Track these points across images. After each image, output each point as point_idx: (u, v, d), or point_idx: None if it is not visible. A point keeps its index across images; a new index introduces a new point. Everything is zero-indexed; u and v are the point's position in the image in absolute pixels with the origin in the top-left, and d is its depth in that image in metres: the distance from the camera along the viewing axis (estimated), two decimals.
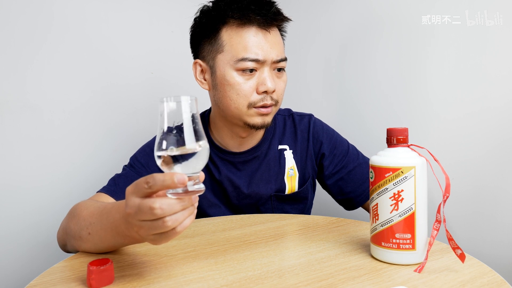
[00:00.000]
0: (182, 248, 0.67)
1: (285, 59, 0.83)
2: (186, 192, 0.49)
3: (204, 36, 0.83)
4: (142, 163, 0.86)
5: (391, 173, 0.56)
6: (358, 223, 0.79)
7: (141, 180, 0.49)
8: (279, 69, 0.83)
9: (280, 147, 0.93)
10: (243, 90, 0.80)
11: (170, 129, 0.49)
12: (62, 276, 0.58)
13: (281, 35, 0.87)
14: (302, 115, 0.97)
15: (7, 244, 1.14)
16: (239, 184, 0.89)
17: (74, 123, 1.24)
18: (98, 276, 0.53)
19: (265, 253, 0.64)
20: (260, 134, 0.91)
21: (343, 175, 0.91)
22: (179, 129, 0.49)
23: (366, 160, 0.93)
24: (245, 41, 0.79)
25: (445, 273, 0.55)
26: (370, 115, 1.25)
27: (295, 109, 1.01)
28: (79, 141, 1.25)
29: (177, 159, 0.49)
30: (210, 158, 0.90)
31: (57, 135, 1.20)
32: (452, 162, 1.03)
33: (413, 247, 0.57)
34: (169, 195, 0.49)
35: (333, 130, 0.97)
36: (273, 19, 0.80)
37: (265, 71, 0.80)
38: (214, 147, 0.90)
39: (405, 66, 1.15)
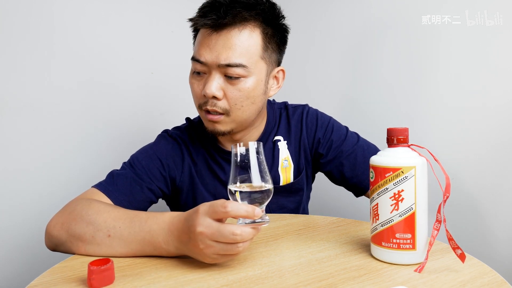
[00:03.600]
0: None
1: (237, 65, 0.75)
2: (259, 222, 0.57)
3: (193, 36, 0.86)
4: (142, 164, 0.84)
5: (391, 173, 0.56)
6: (359, 223, 0.78)
7: (218, 203, 0.56)
8: (230, 77, 0.76)
9: (274, 138, 0.91)
10: (193, 90, 0.81)
11: (241, 169, 0.60)
12: (63, 276, 0.58)
13: (267, 37, 0.79)
14: (296, 106, 0.95)
15: (7, 244, 1.14)
16: None
17: (74, 123, 1.24)
18: (99, 276, 0.53)
19: (265, 253, 0.64)
20: (259, 130, 0.90)
21: (342, 160, 0.89)
22: (249, 169, 0.60)
23: (369, 144, 0.90)
24: (198, 41, 0.79)
25: (445, 273, 0.55)
26: (370, 115, 1.25)
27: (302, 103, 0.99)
28: (79, 140, 1.25)
29: (247, 194, 0.59)
30: (216, 160, 0.89)
31: (57, 135, 1.21)
32: (453, 162, 1.03)
33: (414, 247, 0.57)
34: (244, 223, 0.57)
35: (329, 117, 0.95)
36: (226, 21, 0.74)
37: (211, 75, 0.77)
38: (218, 150, 0.89)
39: (405, 67, 1.15)
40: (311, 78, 1.44)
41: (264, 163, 0.61)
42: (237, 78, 0.77)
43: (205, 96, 0.77)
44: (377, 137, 1.01)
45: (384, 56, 1.20)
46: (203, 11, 0.77)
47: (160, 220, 0.63)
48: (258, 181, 0.59)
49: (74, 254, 0.67)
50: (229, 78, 0.76)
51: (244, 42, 0.76)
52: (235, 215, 0.55)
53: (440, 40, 1.06)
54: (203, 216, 0.56)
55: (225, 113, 0.78)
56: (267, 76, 0.82)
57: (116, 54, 1.32)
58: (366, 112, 1.27)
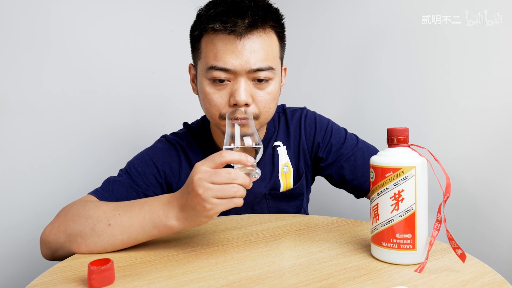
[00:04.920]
0: (182, 248, 0.67)
1: (267, 68, 0.74)
2: (251, 169, 0.64)
3: (193, 41, 0.81)
4: (138, 171, 0.84)
5: (391, 173, 0.56)
6: (359, 223, 0.78)
7: (215, 153, 0.61)
8: (260, 80, 0.75)
9: (274, 143, 0.90)
10: (214, 101, 0.76)
11: (235, 133, 0.67)
12: (63, 276, 0.58)
13: (280, 37, 0.80)
14: (294, 110, 0.94)
15: (8, 244, 1.14)
16: None
17: (74, 123, 1.24)
18: (99, 276, 0.53)
19: (265, 253, 0.64)
20: (261, 134, 0.89)
21: (342, 163, 0.88)
22: (241, 132, 0.68)
23: (369, 145, 0.90)
24: (216, 49, 0.74)
25: (445, 273, 0.55)
26: (370, 115, 1.25)
27: (301, 104, 1.00)
28: (79, 141, 1.25)
29: (239, 150, 0.66)
30: None
31: (56, 135, 1.21)
32: (453, 162, 1.03)
33: (414, 247, 0.56)
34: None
35: (327, 120, 0.94)
36: (250, 25, 0.72)
37: (239, 82, 0.73)
38: None
39: (406, 67, 1.14)
40: (311, 79, 1.44)
41: (254, 126, 0.69)
42: (266, 81, 0.76)
43: (236, 104, 0.74)
44: (376, 137, 1.01)
45: (384, 56, 1.20)
46: (223, 16, 0.72)
47: (160, 197, 0.67)
48: (248, 141, 0.66)
49: (73, 254, 0.67)
50: (257, 82, 0.75)
51: (268, 44, 0.76)
52: (229, 159, 0.61)
53: (440, 40, 1.06)
54: (200, 166, 0.61)
55: (255, 118, 0.77)
56: (281, 76, 0.83)
57: (116, 54, 1.32)
58: (366, 112, 1.26)
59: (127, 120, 1.35)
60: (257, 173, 0.64)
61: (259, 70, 0.74)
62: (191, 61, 0.87)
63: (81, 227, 0.66)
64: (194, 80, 0.85)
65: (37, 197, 1.18)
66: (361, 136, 0.93)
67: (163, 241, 0.71)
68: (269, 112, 0.79)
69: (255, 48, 0.73)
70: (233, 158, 0.61)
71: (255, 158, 0.66)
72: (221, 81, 0.75)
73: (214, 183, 0.59)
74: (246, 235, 0.73)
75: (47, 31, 1.18)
